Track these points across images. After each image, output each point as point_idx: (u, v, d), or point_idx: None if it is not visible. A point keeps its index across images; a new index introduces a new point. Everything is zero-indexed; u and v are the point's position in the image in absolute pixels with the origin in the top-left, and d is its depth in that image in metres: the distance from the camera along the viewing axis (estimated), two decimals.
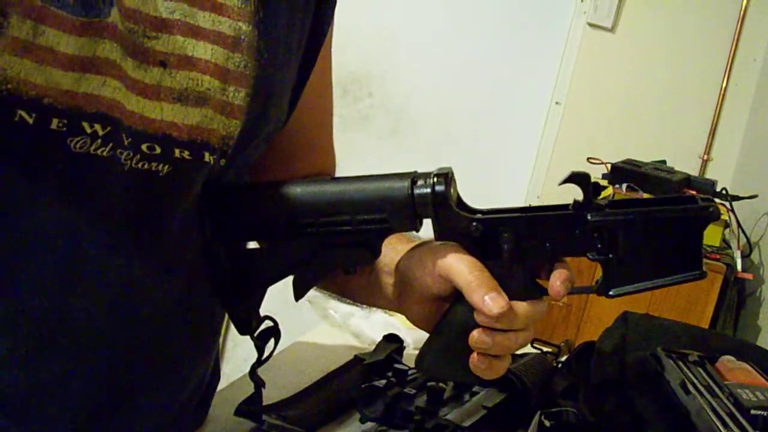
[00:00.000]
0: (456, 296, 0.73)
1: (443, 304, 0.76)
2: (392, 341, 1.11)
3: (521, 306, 0.71)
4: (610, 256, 0.70)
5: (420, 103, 3.24)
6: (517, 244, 0.71)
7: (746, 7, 2.89)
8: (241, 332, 0.82)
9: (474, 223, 0.71)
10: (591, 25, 2.99)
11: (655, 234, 0.70)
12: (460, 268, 0.71)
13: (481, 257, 0.72)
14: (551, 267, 0.72)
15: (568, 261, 0.73)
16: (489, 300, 0.68)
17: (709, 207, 0.69)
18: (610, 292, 0.71)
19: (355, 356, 1.11)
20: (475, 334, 0.71)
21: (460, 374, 0.75)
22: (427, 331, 0.78)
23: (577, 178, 0.68)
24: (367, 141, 3.26)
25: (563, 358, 1.18)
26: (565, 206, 0.71)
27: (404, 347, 1.13)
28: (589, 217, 0.69)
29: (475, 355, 0.72)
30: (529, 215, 0.71)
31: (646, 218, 0.69)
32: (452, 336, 0.73)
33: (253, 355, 0.85)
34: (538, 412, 0.89)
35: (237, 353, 3.10)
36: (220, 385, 0.95)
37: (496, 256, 0.72)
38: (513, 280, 0.72)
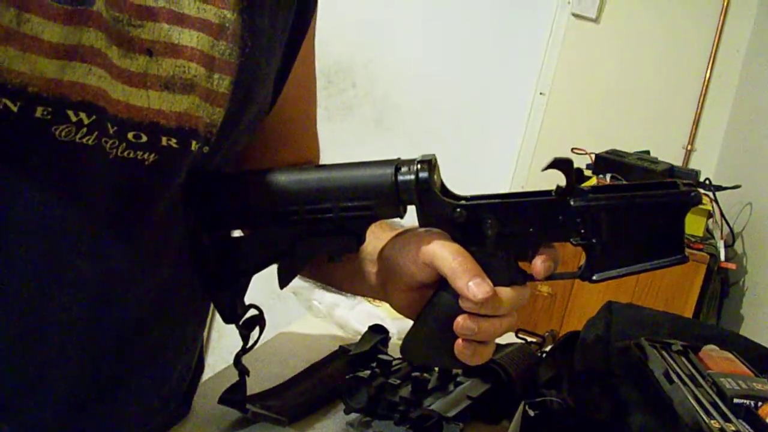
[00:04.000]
0: (440, 283, 0.73)
1: (427, 291, 0.76)
2: (377, 332, 1.11)
3: (505, 291, 0.71)
4: (594, 241, 0.70)
5: (404, 93, 3.23)
6: (500, 229, 0.71)
7: None
8: (227, 321, 0.82)
9: (458, 210, 0.71)
10: (575, 15, 3.00)
11: (638, 219, 0.70)
12: (445, 254, 0.71)
13: (465, 243, 0.72)
14: (535, 252, 0.72)
15: None
16: (474, 286, 0.69)
17: (691, 192, 0.69)
18: (594, 277, 0.72)
19: (340, 347, 1.11)
20: (460, 320, 0.71)
21: (445, 360, 0.75)
22: (412, 319, 0.78)
23: (560, 164, 0.68)
24: (352, 132, 3.26)
25: (547, 348, 1.19)
26: (548, 192, 0.71)
27: (389, 338, 1.13)
28: (572, 203, 0.70)
29: (460, 341, 0.72)
30: (513, 201, 0.71)
31: (628, 203, 0.70)
32: (437, 322, 0.74)
33: (238, 347, 0.85)
34: (523, 402, 0.89)
35: (222, 344, 3.10)
36: (205, 376, 0.94)
37: (480, 242, 0.72)
38: (497, 265, 0.72)
